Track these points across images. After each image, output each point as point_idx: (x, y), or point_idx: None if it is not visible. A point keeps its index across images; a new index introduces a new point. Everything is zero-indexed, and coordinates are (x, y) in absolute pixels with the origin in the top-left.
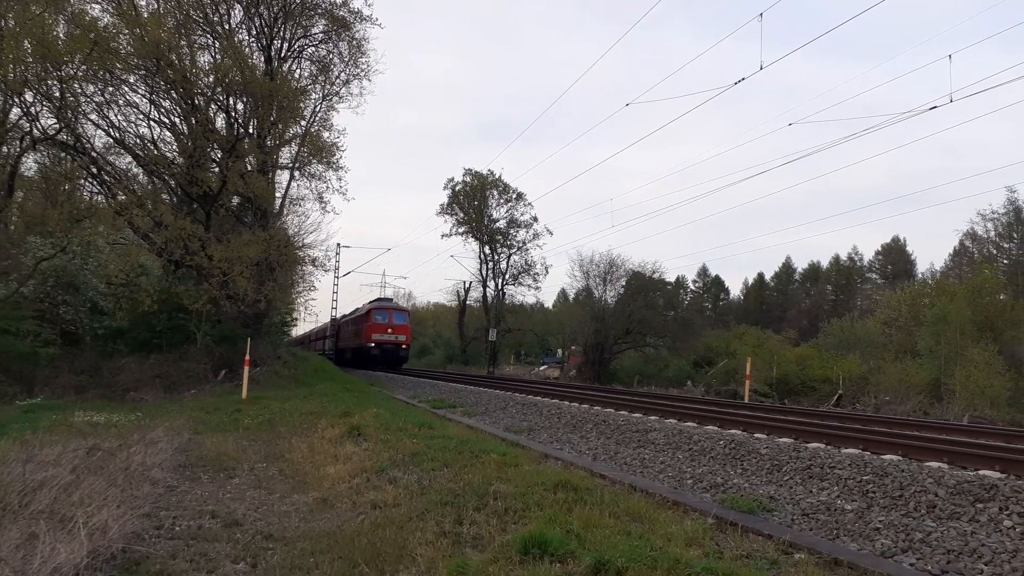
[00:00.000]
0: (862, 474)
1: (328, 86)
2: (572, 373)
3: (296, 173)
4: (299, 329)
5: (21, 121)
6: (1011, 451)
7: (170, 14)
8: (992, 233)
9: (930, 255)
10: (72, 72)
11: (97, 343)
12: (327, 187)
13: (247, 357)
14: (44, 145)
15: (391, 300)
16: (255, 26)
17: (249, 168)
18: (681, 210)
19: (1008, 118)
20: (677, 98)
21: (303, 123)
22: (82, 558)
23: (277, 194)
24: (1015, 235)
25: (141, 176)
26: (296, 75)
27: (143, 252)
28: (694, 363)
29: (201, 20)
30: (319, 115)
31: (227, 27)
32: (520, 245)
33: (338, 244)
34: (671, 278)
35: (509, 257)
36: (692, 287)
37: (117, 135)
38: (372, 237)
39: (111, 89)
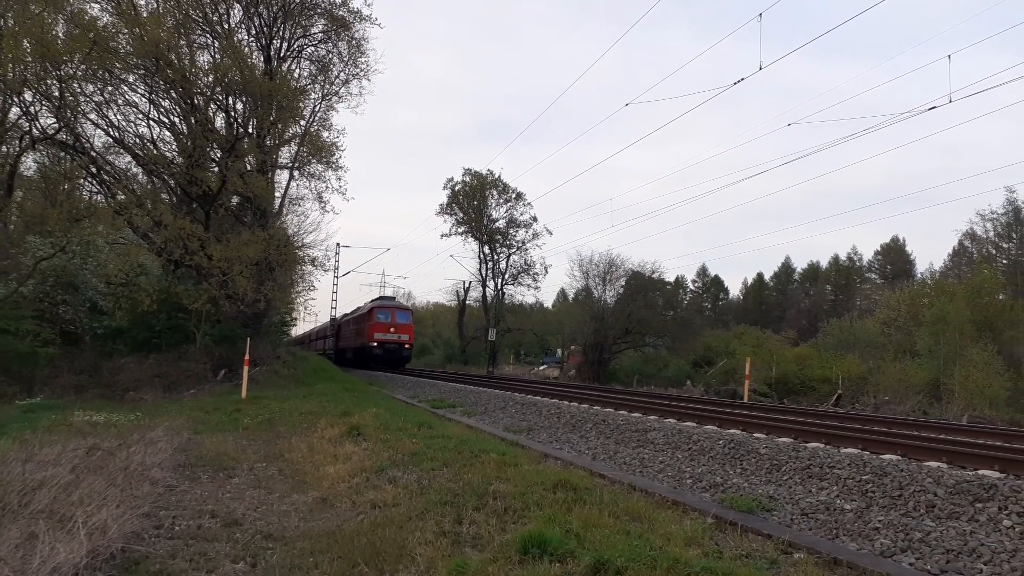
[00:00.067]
0: (861, 474)
1: (327, 86)
2: (571, 373)
3: (295, 173)
4: (299, 329)
5: (20, 121)
6: (1010, 451)
7: (169, 13)
8: (991, 233)
9: (929, 255)
10: (71, 71)
11: (96, 343)
12: (326, 187)
13: (247, 357)
14: (43, 144)
15: (393, 299)
16: (254, 26)
17: (248, 168)
18: (680, 210)
19: (1007, 118)
20: (676, 98)
21: (302, 123)
22: (81, 558)
23: (276, 194)
24: (1014, 235)
25: (140, 176)
26: (295, 75)
27: (142, 252)
28: (693, 363)
29: (200, 19)
30: (318, 115)
31: (226, 27)
32: (519, 245)
33: (338, 244)
34: (670, 278)
35: (508, 257)
36: (691, 287)
37: (116, 135)
38: (372, 237)
39: (110, 88)
